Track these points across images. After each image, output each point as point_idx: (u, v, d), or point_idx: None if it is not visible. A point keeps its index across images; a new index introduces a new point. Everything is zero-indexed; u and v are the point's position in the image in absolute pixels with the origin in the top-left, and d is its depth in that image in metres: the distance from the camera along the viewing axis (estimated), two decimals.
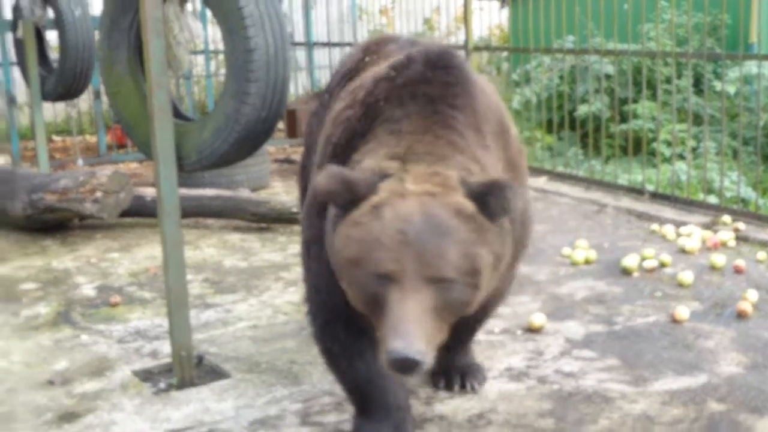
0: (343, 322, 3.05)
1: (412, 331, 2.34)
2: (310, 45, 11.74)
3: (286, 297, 5.06)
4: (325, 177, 2.52)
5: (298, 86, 12.15)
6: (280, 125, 11.11)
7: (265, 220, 6.63)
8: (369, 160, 2.69)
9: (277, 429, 3.44)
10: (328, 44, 11.96)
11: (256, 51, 3.61)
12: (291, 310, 4.83)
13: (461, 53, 3.14)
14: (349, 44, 12.23)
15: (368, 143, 2.81)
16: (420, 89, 2.82)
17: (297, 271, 5.49)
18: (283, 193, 6.97)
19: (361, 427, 3.18)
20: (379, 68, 3.15)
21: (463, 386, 3.59)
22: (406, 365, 2.33)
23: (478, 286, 2.56)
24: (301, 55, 11.83)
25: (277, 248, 6.16)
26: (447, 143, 2.72)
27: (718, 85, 8.10)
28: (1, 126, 10.63)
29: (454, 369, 3.62)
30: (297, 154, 9.91)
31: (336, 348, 3.15)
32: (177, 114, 3.96)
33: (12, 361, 4.22)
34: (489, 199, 2.52)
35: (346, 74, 3.52)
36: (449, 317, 2.56)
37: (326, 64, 12.03)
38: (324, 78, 12.28)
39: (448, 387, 3.61)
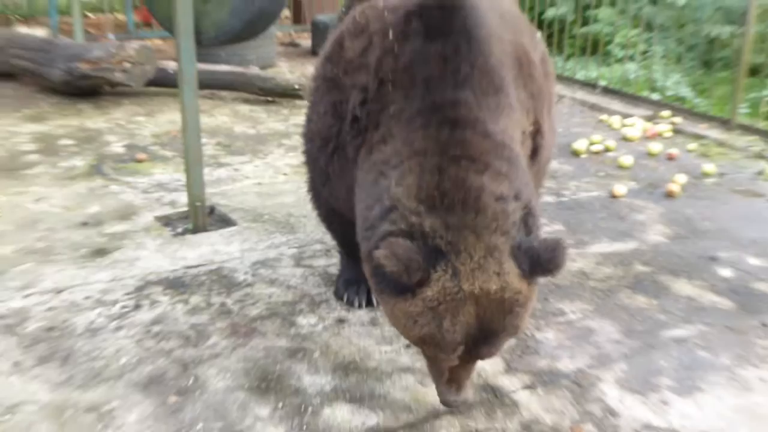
0: (342, 217, 3.01)
1: (465, 385, 2.32)
2: None
3: (286, 160, 5.07)
4: (386, 256, 2.07)
5: None
6: (287, 12, 10.87)
7: (271, 94, 6.55)
8: (398, 192, 2.23)
9: (275, 269, 3.51)
10: None
11: None
12: (290, 171, 4.85)
13: None
14: None
15: (385, 142, 2.41)
16: (418, 71, 2.38)
17: (297, 140, 5.48)
18: (288, 72, 6.87)
19: (346, 267, 3.29)
20: (390, 8, 2.63)
21: None
22: (456, 406, 2.38)
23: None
24: None
25: (280, 119, 6.12)
26: (468, 164, 2.22)
27: None
28: (41, 3, 10.34)
29: None
30: (301, 39, 9.77)
31: (334, 225, 3.20)
32: None
33: (52, 204, 4.24)
34: (538, 271, 2.17)
35: None
36: None
37: None
38: None
39: None
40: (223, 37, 3.77)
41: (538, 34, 3.02)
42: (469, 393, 2.37)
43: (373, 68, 2.54)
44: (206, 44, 3.83)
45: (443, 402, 2.34)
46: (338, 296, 3.27)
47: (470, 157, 2.24)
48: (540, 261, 2.14)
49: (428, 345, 2.20)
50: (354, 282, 3.24)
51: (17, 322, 3.03)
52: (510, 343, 2.94)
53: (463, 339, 2.14)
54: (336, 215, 3.11)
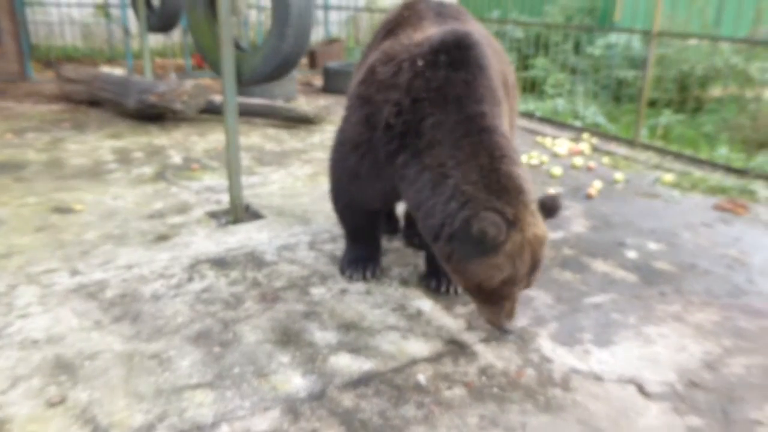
0: (360, 209, 3.06)
1: (516, 314, 2.45)
2: (326, 8, 11.20)
3: (303, 170, 4.99)
4: (486, 223, 2.20)
5: (317, 36, 11.65)
6: (305, 60, 10.75)
7: (292, 120, 6.48)
8: (464, 185, 2.33)
9: (294, 251, 3.45)
10: (339, 7, 11.46)
11: (291, 6, 3.41)
12: (306, 179, 4.78)
13: (473, 35, 2.54)
14: (353, 8, 11.73)
15: (433, 147, 2.43)
16: (450, 92, 2.45)
17: (312, 155, 5.42)
18: (305, 104, 6.77)
19: (350, 249, 3.21)
20: (414, 44, 2.66)
21: (447, 290, 3.04)
22: (513, 331, 2.53)
23: None
24: (319, 13, 11.29)
25: (299, 139, 6.04)
26: (502, 158, 2.37)
27: (589, 49, 7.88)
28: (120, 49, 10.19)
29: (441, 275, 3.04)
30: (315, 80, 9.65)
31: (349, 216, 3.13)
32: (237, 46, 3.77)
33: (126, 201, 4.16)
34: (555, 214, 2.43)
35: (387, 24, 3.07)
36: None
37: (336, 20, 11.56)
38: (335, 32, 11.81)
39: (436, 288, 3.04)
40: (257, 77, 3.68)
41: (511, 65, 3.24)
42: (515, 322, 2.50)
43: (405, 87, 2.54)
44: (244, 83, 3.75)
45: (503, 329, 2.43)
46: (342, 272, 3.18)
47: (505, 155, 2.38)
48: (552, 209, 2.39)
49: (507, 285, 2.31)
50: (354, 261, 3.15)
51: (98, 290, 2.96)
52: (468, 308, 2.90)
53: (528, 271, 2.30)
54: (352, 207, 3.05)
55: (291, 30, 3.45)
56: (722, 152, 5.46)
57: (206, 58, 3.92)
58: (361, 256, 3.16)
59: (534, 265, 2.32)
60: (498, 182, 2.33)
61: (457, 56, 2.49)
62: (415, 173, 2.49)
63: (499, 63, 2.80)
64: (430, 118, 2.46)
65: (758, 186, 4.66)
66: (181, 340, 2.56)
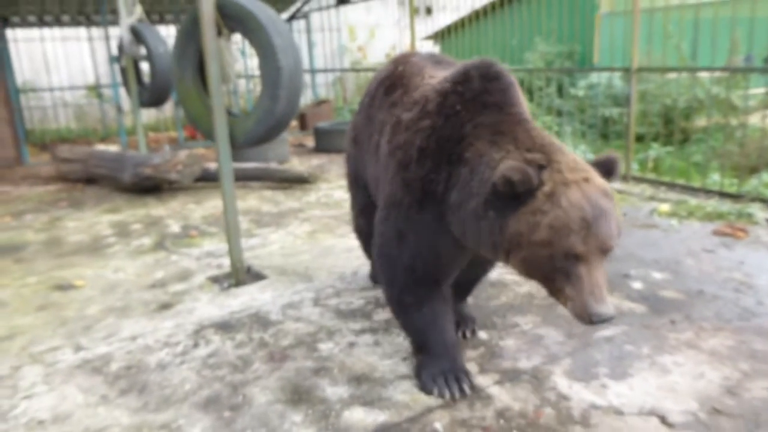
0: (421, 286, 2.52)
1: (605, 295, 2.00)
2: (312, 71, 11.52)
3: (302, 229, 5.01)
4: (510, 169, 2.00)
5: (305, 98, 11.94)
6: (295, 122, 10.98)
7: (287, 181, 6.56)
8: (502, 155, 2.17)
9: (299, 309, 3.43)
10: (324, 70, 11.79)
11: (283, 69, 3.52)
12: (305, 236, 4.79)
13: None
14: (338, 69, 12.05)
15: (474, 144, 2.27)
16: (487, 99, 2.33)
17: (310, 213, 5.45)
18: (298, 164, 6.88)
19: (425, 361, 2.59)
20: (433, 81, 2.59)
21: (464, 334, 2.93)
22: (608, 321, 2.01)
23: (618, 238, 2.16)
24: (306, 77, 11.60)
25: (295, 199, 6.09)
26: (538, 134, 2.24)
27: (573, 91, 8.07)
28: (113, 127, 10.39)
29: (461, 318, 2.95)
30: (307, 140, 9.83)
31: (412, 309, 2.56)
32: (228, 112, 3.86)
33: (127, 273, 4.16)
34: (614, 172, 2.16)
35: (383, 81, 2.93)
36: None
37: (323, 82, 11.86)
38: (322, 93, 12.11)
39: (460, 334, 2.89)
40: (250, 140, 3.75)
41: None
42: (611, 306, 2.01)
43: (435, 110, 2.41)
44: (238, 147, 3.81)
45: (594, 316, 1.98)
46: (427, 391, 2.52)
47: (545, 137, 2.24)
48: (609, 168, 2.15)
49: (563, 236, 1.97)
50: (440, 375, 2.53)
51: (102, 364, 2.92)
52: (479, 351, 2.86)
53: (585, 218, 1.97)
54: (417, 286, 2.52)
55: (283, 92, 3.54)
56: (715, 179, 5.52)
57: (198, 127, 4.00)
58: (446, 365, 2.55)
59: (595, 214, 1.97)
60: (532, 141, 2.17)
61: (490, 71, 2.38)
62: (456, 176, 2.29)
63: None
64: (469, 124, 2.31)
65: (755, 209, 4.68)
66: (190, 408, 2.51)
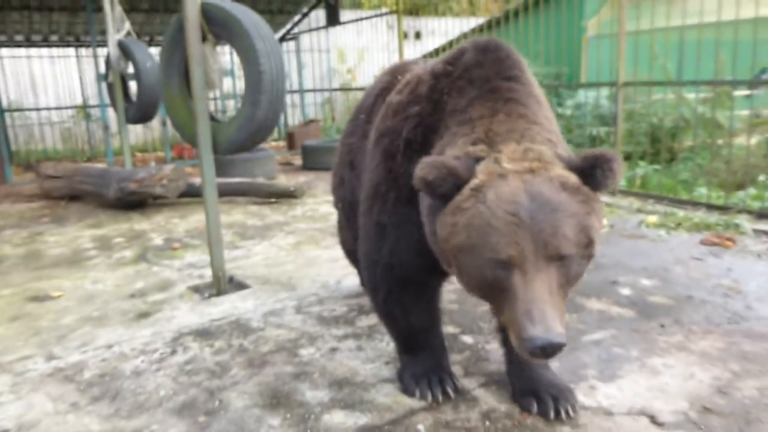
0: (406, 290, 2.32)
1: (547, 314, 1.55)
2: (301, 91, 11.56)
3: (287, 240, 4.95)
4: (424, 167, 1.70)
5: (294, 118, 11.97)
6: (283, 142, 10.98)
7: (273, 196, 6.51)
8: (451, 150, 1.84)
9: (281, 316, 3.34)
10: (313, 90, 11.85)
11: (264, 74, 3.49)
12: (289, 248, 4.73)
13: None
14: (327, 90, 12.10)
15: (443, 137, 1.96)
16: (475, 73, 1.97)
17: (295, 226, 5.39)
18: (285, 180, 6.84)
19: (408, 362, 2.48)
20: (433, 64, 2.24)
21: (557, 413, 2.19)
22: (549, 350, 1.54)
23: (592, 256, 1.76)
24: (296, 97, 11.65)
25: (281, 213, 6.03)
26: (519, 117, 1.85)
27: (560, 110, 8.14)
28: (100, 148, 10.33)
29: (542, 388, 2.28)
30: (294, 159, 9.80)
31: (397, 310, 2.37)
32: (212, 118, 3.83)
33: (106, 285, 4.06)
34: (596, 172, 1.70)
35: (381, 92, 2.63)
36: (567, 293, 1.73)
37: (312, 102, 11.90)
38: (311, 113, 12.14)
39: (543, 412, 2.21)
40: (232, 146, 3.71)
41: None
42: (556, 328, 1.53)
43: (426, 95, 2.09)
44: (220, 152, 3.76)
45: (527, 342, 1.53)
46: (408, 393, 2.40)
47: (522, 115, 1.84)
48: (594, 170, 1.69)
49: (478, 234, 1.60)
50: (422, 376, 2.41)
51: (75, 373, 2.81)
52: (465, 354, 2.79)
53: (516, 213, 1.58)
54: (399, 295, 2.31)
55: (265, 96, 3.51)
56: (702, 191, 5.53)
57: (182, 133, 3.96)
58: (429, 366, 2.41)
59: (533, 208, 1.59)
60: (492, 128, 1.80)
61: (489, 44, 2.05)
62: None
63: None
64: (448, 108, 1.98)
65: (742, 219, 4.68)
66: (164, 414, 2.41)
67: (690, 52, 5.96)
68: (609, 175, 1.70)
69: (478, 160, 1.74)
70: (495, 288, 1.65)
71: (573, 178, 1.69)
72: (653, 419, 2.21)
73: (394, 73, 2.67)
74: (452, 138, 1.89)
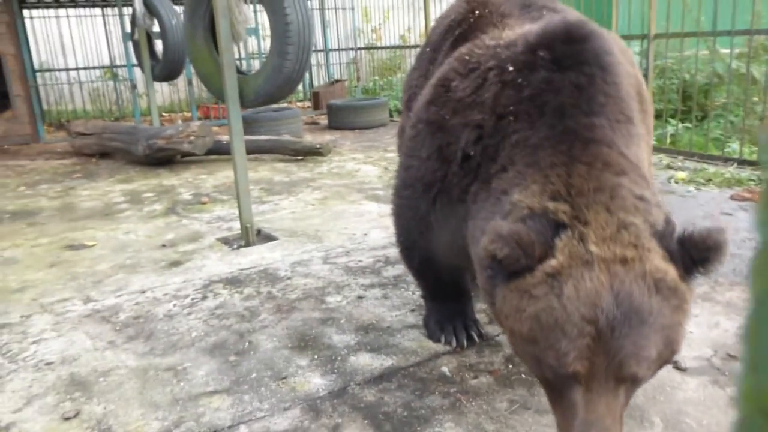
0: (435, 263, 2.28)
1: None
2: (327, 50, 11.47)
3: (313, 196, 4.99)
4: (494, 239, 1.42)
5: (319, 79, 11.90)
6: (309, 102, 10.96)
7: (299, 153, 6.53)
8: (521, 196, 1.57)
9: (308, 266, 3.40)
10: (339, 49, 11.76)
11: (291, 24, 3.48)
12: (316, 203, 4.77)
13: (589, 24, 1.72)
14: (352, 49, 11.99)
15: (506, 170, 1.70)
16: (548, 99, 1.68)
17: (321, 182, 5.42)
18: (311, 138, 6.85)
19: (435, 309, 2.50)
20: (505, 44, 1.93)
21: None
22: None
23: (668, 363, 1.48)
24: (320, 56, 11.56)
25: (307, 170, 6.06)
26: (604, 167, 1.54)
27: None
28: (128, 108, 10.45)
29: None
30: (320, 119, 9.79)
31: (429, 273, 2.39)
32: (238, 70, 3.84)
33: (138, 235, 4.16)
34: (706, 260, 1.42)
35: (450, 28, 2.36)
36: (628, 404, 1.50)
37: (337, 62, 11.81)
38: (336, 74, 12.06)
39: None
40: (260, 98, 3.72)
41: None
42: None
43: (490, 105, 1.83)
44: (248, 105, 3.78)
45: None
46: (433, 338, 2.47)
47: (606, 163, 1.54)
48: (702, 247, 1.40)
49: (546, 334, 1.36)
50: (445, 321, 2.45)
51: (111, 314, 2.92)
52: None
53: (594, 320, 1.31)
54: (431, 265, 2.29)
55: (292, 48, 3.50)
56: (734, 147, 5.40)
57: (208, 86, 3.99)
58: (452, 312, 2.45)
59: (614, 317, 1.31)
60: (566, 184, 1.51)
61: (565, 51, 1.70)
62: (476, 207, 1.79)
63: (629, 65, 1.94)
64: (514, 136, 1.73)
65: None
66: (197, 352, 2.50)
67: (724, 4, 5.74)
68: (718, 265, 1.43)
69: (557, 225, 1.46)
70: (551, 388, 1.47)
71: (671, 274, 1.39)
72: (676, 364, 2.22)
73: (470, 3, 2.38)
74: (520, 179, 1.63)
